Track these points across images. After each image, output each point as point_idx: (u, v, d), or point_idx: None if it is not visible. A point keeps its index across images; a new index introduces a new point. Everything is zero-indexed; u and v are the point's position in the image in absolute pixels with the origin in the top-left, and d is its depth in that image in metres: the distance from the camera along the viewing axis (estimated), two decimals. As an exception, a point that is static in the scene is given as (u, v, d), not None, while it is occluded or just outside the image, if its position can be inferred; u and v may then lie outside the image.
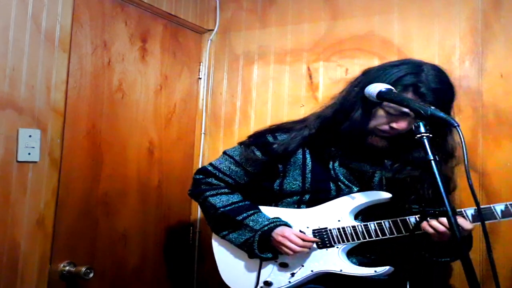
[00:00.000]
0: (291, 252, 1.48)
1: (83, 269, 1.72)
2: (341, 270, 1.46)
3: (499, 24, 1.84)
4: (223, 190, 1.68)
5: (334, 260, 1.48)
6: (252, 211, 1.60)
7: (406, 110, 1.36)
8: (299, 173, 1.57)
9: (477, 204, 1.14)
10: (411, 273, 1.55)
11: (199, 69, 2.40)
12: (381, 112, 1.44)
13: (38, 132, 1.61)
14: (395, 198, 1.48)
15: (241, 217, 1.58)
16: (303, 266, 1.51)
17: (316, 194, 1.55)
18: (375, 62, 2.02)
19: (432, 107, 1.22)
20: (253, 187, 1.70)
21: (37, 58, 1.61)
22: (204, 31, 2.41)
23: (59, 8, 1.68)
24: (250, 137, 1.68)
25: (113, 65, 1.94)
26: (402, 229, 1.42)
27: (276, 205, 1.63)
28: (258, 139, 1.64)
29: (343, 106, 1.51)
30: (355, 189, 1.53)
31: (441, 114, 1.20)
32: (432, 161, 1.16)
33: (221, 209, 1.62)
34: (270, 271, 1.56)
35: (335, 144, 1.54)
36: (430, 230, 1.34)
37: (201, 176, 1.73)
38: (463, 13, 1.90)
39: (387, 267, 1.42)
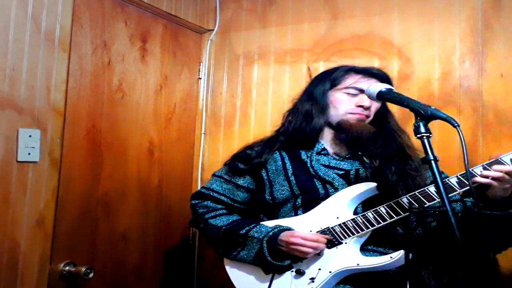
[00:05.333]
0: (309, 250, 1.44)
1: (83, 269, 1.72)
2: (358, 264, 1.44)
3: (499, 24, 1.84)
4: (221, 212, 1.69)
5: (348, 256, 1.46)
6: (254, 224, 1.59)
7: (362, 87, 1.53)
8: (283, 178, 1.61)
9: (467, 169, 1.15)
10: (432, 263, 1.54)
11: (199, 69, 2.40)
12: (343, 97, 1.60)
13: (38, 132, 1.61)
14: (385, 188, 1.50)
15: (244, 231, 1.58)
16: (320, 269, 1.47)
17: (306, 196, 1.57)
18: (375, 62, 2.02)
19: (432, 107, 1.21)
20: (250, 205, 1.71)
21: (37, 58, 1.61)
22: (204, 31, 2.41)
23: (59, 8, 1.68)
24: (232, 156, 1.77)
25: (113, 65, 1.94)
26: (399, 210, 1.42)
27: (277, 218, 1.62)
28: (239, 154, 1.75)
29: (301, 111, 1.66)
30: (337, 184, 1.55)
31: (442, 114, 1.19)
32: (432, 161, 1.15)
33: (224, 227, 1.62)
34: (289, 282, 1.50)
35: (306, 146, 1.64)
36: (485, 180, 1.31)
37: (198, 201, 1.74)
38: (463, 13, 1.90)
39: (402, 251, 1.38)
